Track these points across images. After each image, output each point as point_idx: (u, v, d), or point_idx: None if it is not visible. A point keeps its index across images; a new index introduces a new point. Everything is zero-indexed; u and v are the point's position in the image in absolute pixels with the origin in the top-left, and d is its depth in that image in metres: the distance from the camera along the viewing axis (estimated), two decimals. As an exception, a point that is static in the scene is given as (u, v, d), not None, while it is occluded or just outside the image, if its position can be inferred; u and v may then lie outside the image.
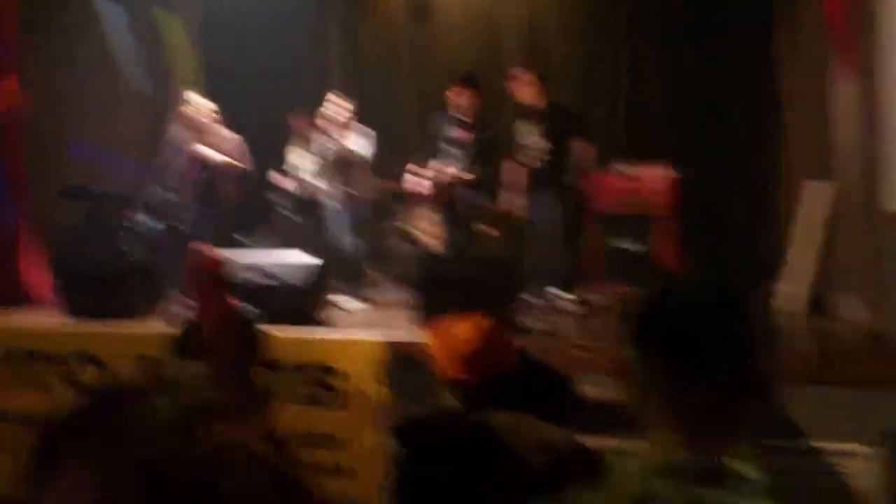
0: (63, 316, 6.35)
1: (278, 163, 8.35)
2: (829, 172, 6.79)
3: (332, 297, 6.80)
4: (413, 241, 8.45)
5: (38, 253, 7.15)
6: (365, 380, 5.41)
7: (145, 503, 0.64)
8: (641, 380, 1.38)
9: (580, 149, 6.81)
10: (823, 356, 5.11)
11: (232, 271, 6.18)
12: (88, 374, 5.42)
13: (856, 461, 4.67)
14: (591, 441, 4.99)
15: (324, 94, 8.11)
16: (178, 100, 8.63)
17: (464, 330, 2.56)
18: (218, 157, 7.41)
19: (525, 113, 6.97)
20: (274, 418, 4.80)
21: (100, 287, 6.22)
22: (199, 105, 7.46)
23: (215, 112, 7.56)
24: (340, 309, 6.80)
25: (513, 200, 7.12)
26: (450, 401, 2.55)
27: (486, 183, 7.03)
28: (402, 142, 8.99)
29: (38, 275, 7.13)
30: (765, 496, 1.26)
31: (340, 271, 7.54)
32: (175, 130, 7.41)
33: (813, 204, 7.07)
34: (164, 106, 9.16)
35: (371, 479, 4.99)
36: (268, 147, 8.39)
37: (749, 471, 1.26)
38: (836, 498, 4.52)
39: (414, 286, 6.25)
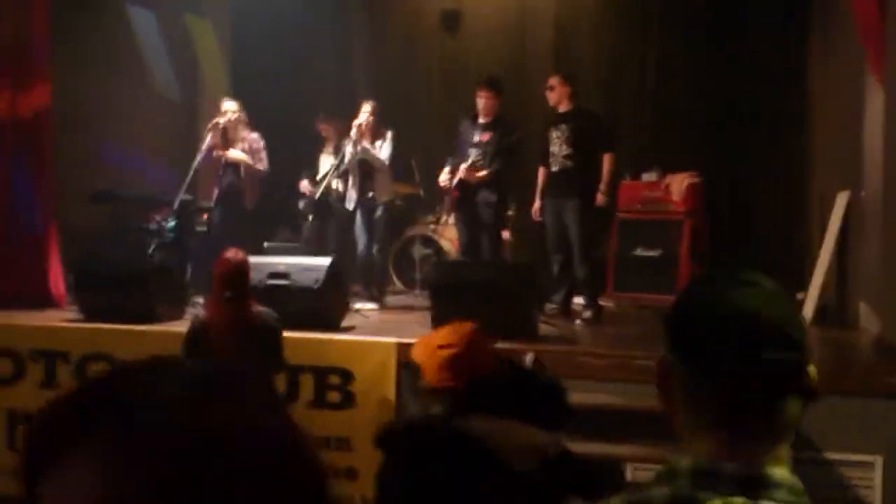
0: (79, 316, 6.43)
1: (303, 166, 8.44)
2: (856, 182, 6.77)
3: (351, 300, 6.87)
4: (433, 246, 8.51)
5: (57, 255, 7.27)
6: (379, 383, 5.47)
7: (154, 490, 0.62)
8: (681, 384, 1.29)
9: (606, 160, 6.87)
10: (834, 366, 5.11)
11: (256, 275, 6.30)
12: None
13: (866, 471, 4.66)
14: (605, 448, 5.02)
15: (350, 100, 8.19)
16: (208, 105, 8.76)
17: (442, 336, 2.57)
18: (245, 160, 7.51)
19: (556, 119, 7.02)
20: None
21: (121, 289, 6.28)
22: (228, 110, 7.56)
23: (244, 117, 7.65)
24: (359, 313, 6.87)
25: (538, 206, 7.17)
26: (434, 407, 2.58)
27: (503, 185, 7.06)
28: (428, 147, 9.04)
29: (57, 276, 7.26)
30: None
31: (361, 275, 7.62)
32: (205, 135, 7.52)
33: (834, 214, 7.05)
34: (192, 110, 9.29)
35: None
36: (294, 151, 8.49)
37: (791, 477, 1.22)
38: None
39: (431, 290, 6.30)
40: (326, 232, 8.03)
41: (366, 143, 7.37)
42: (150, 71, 8.87)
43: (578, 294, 7.05)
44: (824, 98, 8.09)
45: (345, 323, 6.33)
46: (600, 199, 6.88)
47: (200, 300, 6.61)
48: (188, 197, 7.64)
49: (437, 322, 5.90)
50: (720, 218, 8.06)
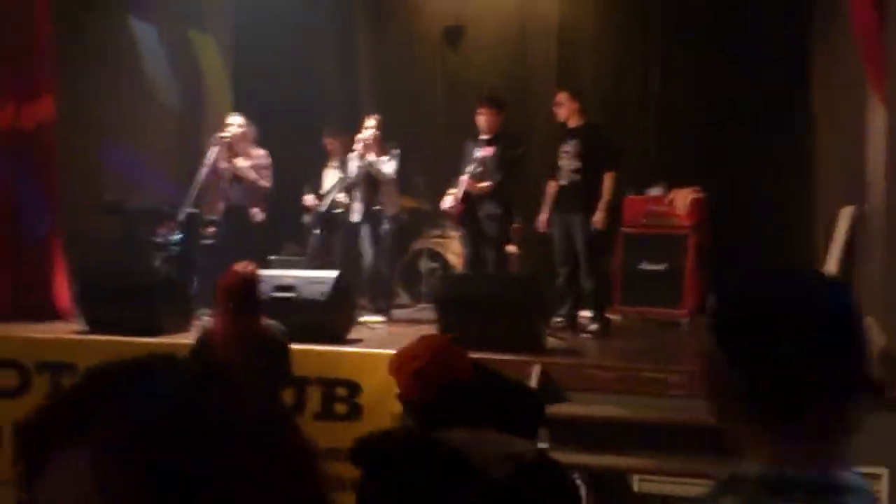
0: (85, 328, 6.43)
1: (307, 180, 8.45)
2: (860, 196, 6.78)
3: (358, 313, 6.87)
4: (439, 260, 8.52)
5: (62, 267, 7.28)
6: (386, 395, 5.45)
7: (145, 487, 0.62)
8: (735, 389, 1.22)
9: (607, 179, 6.88)
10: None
11: (262, 288, 6.30)
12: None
13: (872, 483, 4.65)
14: (612, 460, 5.02)
15: (353, 114, 8.22)
16: (211, 119, 8.79)
17: (412, 348, 2.57)
18: (250, 175, 7.53)
19: (565, 134, 7.05)
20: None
21: (127, 301, 6.28)
22: (233, 124, 7.58)
23: (251, 132, 7.67)
24: (366, 325, 6.87)
25: (545, 218, 7.18)
26: (407, 419, 2.56)
27: (507, 198, 7.09)
28: (431, 162, 9.08)
29: (62, 288, 7.26)
30: None
31: (367, 288, 7.62)
32: (210, 149, 7.54)
33: (839, 228, 7.06)
34: (196, 125, 9.32)
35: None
36: (298, 165, 8.51)
37: (860, 481, 1.18)
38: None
39: (438, 304, 6.31)
40: (332, 245, 8.04)
41: (371, 157, 7.39)
42: (153, 84, 8.91)
43: (584, 307, 7.05)
44: (827, 113, 8.12)
45: (351, 335, 6.33)
46: (598, 218, 6.86)
47: (207, 313, 6.61)
48: (194, 210, 7.66)
49: (444, 335, 5.91)
50: (724, 232, 8.06)
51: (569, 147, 6.96)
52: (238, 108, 8.18)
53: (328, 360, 5.70)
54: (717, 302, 1.29)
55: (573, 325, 6.96)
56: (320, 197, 8.07)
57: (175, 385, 0.68)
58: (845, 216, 7.04)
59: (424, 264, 8.57)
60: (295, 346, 5.80)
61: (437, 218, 8.56)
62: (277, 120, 8.68)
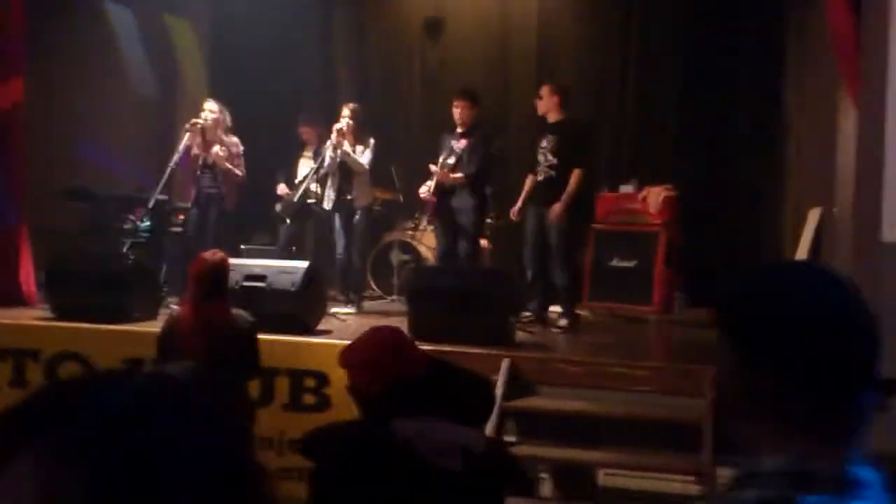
0: (51, 315, 6.36)
1: (281, 169, 8.42)
2: (830, 199, 6.85)
3: (328, 305, 6.86)
4: (411, 252, 8.52)
5: (28, 252, 7.21)
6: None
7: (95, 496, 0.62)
8: (751, 386, 1.21)
9: (573, 175, 6.87)
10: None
11: (233, 277, 6.27)
12: (71, 372, 5.43)
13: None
14: (578, 454, 5.05)
15: (330, 103, 8.18)
16: (186, 105, 8.71)
17: (362, 340, 2.58)
18: (223, 163, 7.47)
19: (544, 129, 7.06)
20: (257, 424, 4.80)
21: (94, 288, 6.21)
22: (208, 111, 7.52)
23: (225, 119, 7.61)
24: (336, 317, 6.86)
25: (518, 207, 7.19)
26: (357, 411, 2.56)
27: (481, 191, 7.11)
28: (408, 153, 9.06)
29: (28, 274, 7.19)
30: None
31: (339, 279, 7.61)
32: (183, 135, 7.48)
33: (807, 229, 7.14)
34: (171, 110, 9.24)
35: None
36: (272, 153, 8.47)
37: (878, 476, 1.17)
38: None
39: (409, 296, 6.31)
40: (304, 235, 8.01)
41: (346, 147, 7.37)
42: (127, 69, 8.82)
43: (554, 303, 7.08)
44: (799, 114, 8.20)
45: (321, 327, 6.32)
46: (555, 210, 6.84)
47: (175, 301, 6.57)
48: (164, 197, 7.60)
49: (414, 328, 5.92)
50: (695, 230, 8.12)
51: (546, 142, 6.98)
52: (213, 95, 8.12)
53: (297, 350, 5.68)
54: (731, 300, 1.28)
55: (542, 319, 6.99)
56: (293, 186, 8.03)
57: (124, 405, 0.67)
58: (813, 217, 7.12)
59: (396, 256, 8.57)
60: (264, 337, 5.75)
61: (411, 210, 8.56)
62: (253, 107, 8.62)
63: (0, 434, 0.66)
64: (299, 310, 6.13)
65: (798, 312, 1.20)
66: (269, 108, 9.14)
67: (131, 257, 6.99)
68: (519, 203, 7.19)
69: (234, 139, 7.62)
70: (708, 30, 8.80)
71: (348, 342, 2.63)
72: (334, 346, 5.69)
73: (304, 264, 6.40)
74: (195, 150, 7.47)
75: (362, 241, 7.59)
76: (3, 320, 6.27)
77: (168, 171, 7.33)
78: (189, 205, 7.64)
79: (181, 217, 7.83)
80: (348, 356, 2.56)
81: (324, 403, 5.50)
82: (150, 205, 7.40)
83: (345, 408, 5.40)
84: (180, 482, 0.64)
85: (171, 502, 0.63)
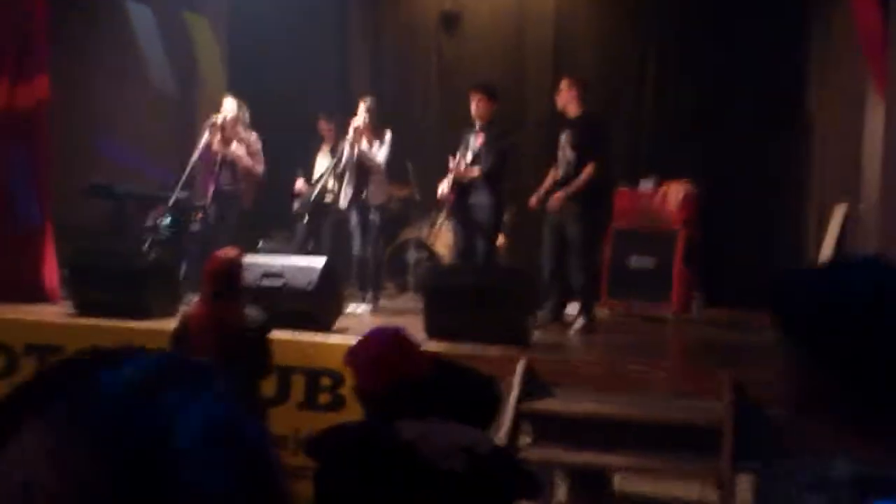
0: (74, 312, 6.43)
1: (298, 165, 8.42)
2: (853, 194, 6.79)
3: (344, 302, 6.86)
4: (427, 250, 8.50)
5: (51, 249, 7.27)
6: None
7: (77, 480, 0.62)
8: (823, 392, 1.17)
9: (586, 169, 6.82)
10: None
11: (250, 275, 6.28)
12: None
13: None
14: (595, 457, 5.03)
15: (348, 98, 8.18)
16: (205, 101, 8.73)
17: (366, 340, 2.59)
18: (242, 160, 7.49)
19: (564, 124, 7.01)
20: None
21: (116, 285, 6.27)
22: (227, 108, 7.54)
23: (244, 116, 7.63)
24: (353, 315, 6.86)
25: (538, 198, 7.13)
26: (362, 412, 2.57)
27: (498, 188, 7.07)
28: (424, 149, 9.03)
29: (51, 271, 7.25)
30: None
31: (355, 276, 7.61)
32: (203, 133, 7.50)
33: (831, 227, 7.08)
34: (190, 107, 9.27)
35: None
36: (289, 150, 8.48)
37: None
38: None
39: (425, 294, 6.29)
40: (321, 232, 8.02)
41: (363, 145, 7.36)
42: (147, 67, 8.85)
43: (572, 302, 7.03)
44: (823, 109, 8.11)
45: (337, 325, 6.32)
46: (554, 199, 6.79)
47: (194, 297, 6.59)
48: (184, 194, 7.63)
49: (430, 326, 5.91)
50: (715, 228, 8.06)
51: (566, 137, 6.93)
52: (232, 92, 8.14)
53: (313, 349, 5.69)
54: (794, 300, 1.24)
55: (559, 318, 6.95)
56: (311, 183, 8.04)
57: (141, 373, 0.67)
58: (838, 214, 7.05)
59: (412, 254, 8.56)
60: (280, 335, 5.78)
61: (428, 207, 8.55)
62: (271, 103, 8.64)
63: (11, 404, 0.66)
64: (316, 308, 6.14)
65: (866, 311, 1.17)
66: (286, 104, 9.15)
67: (152, 255, 7.03)
68: (540, 191, 7.11)
69: (253, 135, 7.64)
70: (730, 22, 8.69)
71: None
72: (343, 343, 5.69)
73: (321, 262, 6.40)
74: (214, 147, 7.50)
75: (378, 238, 7.59)
76: (27, 317, 6.36)
77: (188, 168, 7.36)
78: (207, 202, 7.67)
79: (201, 215, 7.85)
80: (353, 356, 2.56)
81: (339, 403, 5.50)
82: (171, 202, 7.44)
83: (360, 409, 5.42)
84: (191, 455, 0.64)
85: (180, 474, 0.63)
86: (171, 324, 5.71)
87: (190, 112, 9.18)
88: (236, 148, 7.48)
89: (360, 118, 7.34)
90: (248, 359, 4.42)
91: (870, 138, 6.53)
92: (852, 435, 1.17)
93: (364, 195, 7.45)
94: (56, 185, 7.41)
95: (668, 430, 5.01)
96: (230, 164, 7.53)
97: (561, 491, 5.12)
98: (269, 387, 5.53)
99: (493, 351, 5.51)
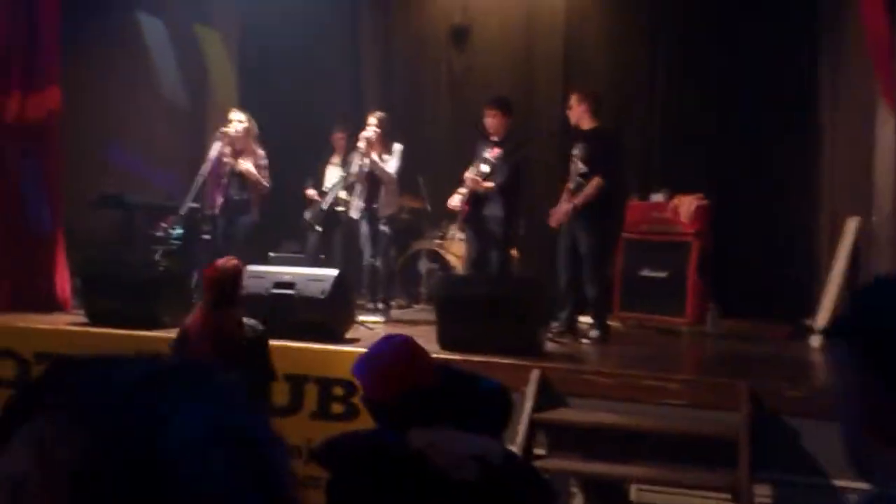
0: (85, 320, 6.44)
1: (309, 175, 8.43)
2: (865, 207, 6.74)
3: (356, 313, 6.84)
4: (439, 260, 8.48)
5: (63, 258, 7.28)
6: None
7: (70, 476, 0.62)
8: (890, 412, 1.13)
9: (592, 182, 6.79)
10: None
11: (250, 284, 6.27)
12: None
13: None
14: (609, 468, 4.98)
15: (357, 112, 8.19)
16: (216, 113, 8.76)
17: (374, 349, 2.56)
18: (254, 175, 7.50)
19: (576, 137, 7.00)
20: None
21: (127, 294, 6.28)
22: (236, 120, 7.55)
23: (254, 129, 7.64)
24: (364, 325, 6.83)
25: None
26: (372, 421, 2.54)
27: (512, 201, 7.05)
28: (435, 161, 9.03)
29: (63, 279, 7.26)
30: None
31: (366, 287, 7.60)
32: (213, 144, 7.51)
33: (844, 239, 7.03)
34: (201, 119, 9.29)
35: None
36: (300, 162, 8.48)
37: None
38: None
39: (437, 305, 6.26)
40: (332, 243, 8.01)
41: (374, 157, 7.38)
42: (158, 78, 8.88)
43: (585, 313, 7.00)
44: (836, 122, 8.07)
45: (349, 335, 6.30)
46: (559, 211, 6.79)
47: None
48: (195, 205, 7.63)
49: (443, 337, 5.88)
50: (727, 240, 8.01)
51: (578, 150, 6.92)
52: (242, 103, 8.15)
53: (326, 358, 5.67)
54: (862, 320, 1.20)
55: (572, 329, 6.91)
56: (322, 193, 8.04)
57: (143, 372, 0.68)
58: (851, 226, 7.00)
59: (424, 265, 8.54)
60: (293, 344, 5.78)
61: (439, 218, 8.53)
62: (280, 115, 8.65)
63: (14, 405, 0.67)
64: (329, 318, 6.13)
65: None
66: (296, 116, 9.16)
67: (162, 265, 7.04)
68: (559, 211, 7.07)
69: (261, 151, 7.65)
70: (739, 34, 8.68)
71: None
72: (356, 353, 5.66)
73: (333, 272, 6.39)
74: (225, 159, 7.51)
75: (389, 249, 7.57)
76: (39, 325, 6.37)
77: (199, 179, 7.37)
78: (216, 213, 7.66)
79: (210, 225, 7.86)
80: (360, 367, 2.53)
81: (352, 412, 5.47)
82: (182, 213, 7.45)
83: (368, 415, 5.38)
84: (190, 454, 0.64)
85: (179, 473, 0.63)
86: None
87: (200, 123, 9.20)
88: (247, 161, 7.49)
89: (372, 130, 7.35)
90: (248, 367, 4.38)
91: (881, 148, 6.50)
92: None
93: (375, 206, 7.46)
94: (67, 193, 7.43)
95: (684, 441, 4.97)
96: (239, 176, 7.54)
97: (577, 501, 5.07)
98: (281, 396, 5.51)
99: (507, 361, 5.48)
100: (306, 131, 8.86)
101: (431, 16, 9.92)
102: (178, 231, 7.65)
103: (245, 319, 4.63)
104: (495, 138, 7.07)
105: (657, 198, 8.06)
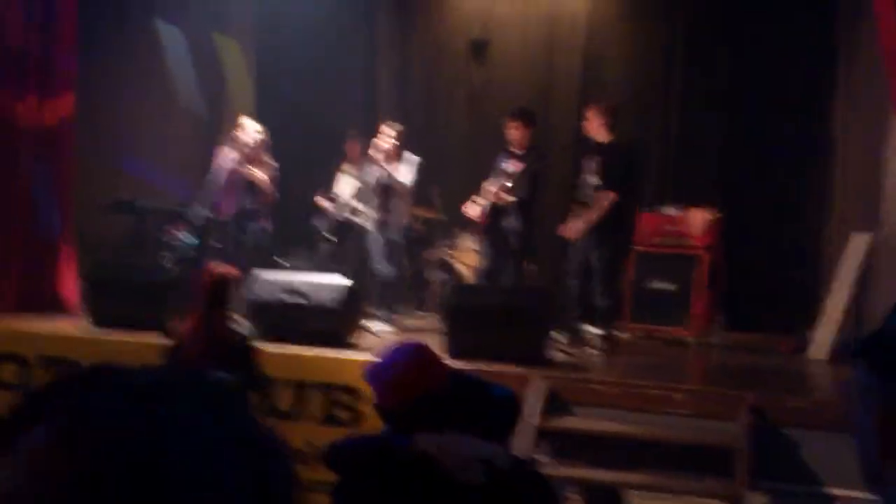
0: (91, 325, 6.47)
1: (320, 185, 8.48)
2: (876, 222, 6.74)
3: (364, 320, 6.87)
4: (449, 270, 8.51)
5: (72, 262, 7.33)
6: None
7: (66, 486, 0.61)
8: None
9: (605, 196, 6.81)
10: (844, 404, 5.07)
11: (261, 291, 6.31)
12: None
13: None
14: (614, 476, 4.99)
15: (374, 121, 8.23)
16: (232, 121, 8.83)
17: (385, 356, 2.57)
18: (266, 186, 7.55)
19: (591, 150, 7.02)
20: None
21: (135, 300, 6.31)
22: (249, 129, 7.60)
23: (264, 137, 7.69)
24: (373, 333, 6.87)
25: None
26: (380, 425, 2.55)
27: (530, 214, 7.08)
28: (451, 173, 9.04)
29: (71, 283, 7.30)
30: None
31: (376, 295, 7.63)
32: (224, 152, 7.57)
33: (851, 253, 7.02)
34: (217, 127, 9.37)
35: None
36: (314, 171, 8.53)
37: None
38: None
39: (446, 314, 6.29)
40: (344, 251, 8.06)
41: (390, 168, 7.42)
42: (174, 85, 8.96)
43: (594, 324, 7.01)
44: (847, 137, 8.07)
45: (357, 342, 6.33)
46: (572, 227, 6.83)
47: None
48: (206, 211, 7.69)
49: (452, 346, 5.90)
50: (735, 253, 8.02)
51: (592, 163, 6.94)
52: (259, 112, 8.20)
53: (331, 365, 5.69)
54: (889, 337, 1.17)
55: (580, 339, 6.93)
56: (333, 200, 8.09)
57: (151, 380, 0.68)
58: (860, 240, 7.00)
59: (434, 274, 8.57)
60: (299, 350, 5.82)
61: (451, 228, 8.56)
62: (296, 125, 8.70)
63: (14, 415, 0.67)
64: (340, 327, 6.16)
65: None
66: (314, 125, 9.22)
67: (172, 270, 7.08)
68: (578, 224, 7.09)
69: (273, 163, 7.71)
70: (755, 49, 8.69)
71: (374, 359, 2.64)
72: (361, 360, 5.70)
73: (345, 282, 6.41)
74: (238, 168, 7.55)
75: (400, 258, 7.60)
76: (44, 328, 6.40)
77: (210, 186, 7.42)
78: (228, 220, 7.72)
79: (220, 232, 7.91)
80: (372, 375, 2.56)
81: (357, 419, 5.49)
82: (195, 220, 7.50)
83: (377, 424, 5.41)
84: (192, 464, 0.64)
85: (181, 483, 0.63)
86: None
87: (216, 131, 9.26)
88: (259, 170, 7.54)
89: (389, 141, 7.39)
90: (238, 371, 4.41)
91: (891, 163, 6.50)
92: None
93: (388, 216, 7.50)
94: (80, 198, 7.49)
95: (685, 450, 4.98)
96: (251, 184, 7.59)
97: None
98: (285, 401, 5.56)
99: (515, 370, 5.50)
100: (320, 139, 8.90)
101: (450, 26, 9.96)
102: (190, 238, 7.70)
103: (237, 324, 4.69)
104: (517, 150, 7.10)
105: (670, 211, 8.08)
